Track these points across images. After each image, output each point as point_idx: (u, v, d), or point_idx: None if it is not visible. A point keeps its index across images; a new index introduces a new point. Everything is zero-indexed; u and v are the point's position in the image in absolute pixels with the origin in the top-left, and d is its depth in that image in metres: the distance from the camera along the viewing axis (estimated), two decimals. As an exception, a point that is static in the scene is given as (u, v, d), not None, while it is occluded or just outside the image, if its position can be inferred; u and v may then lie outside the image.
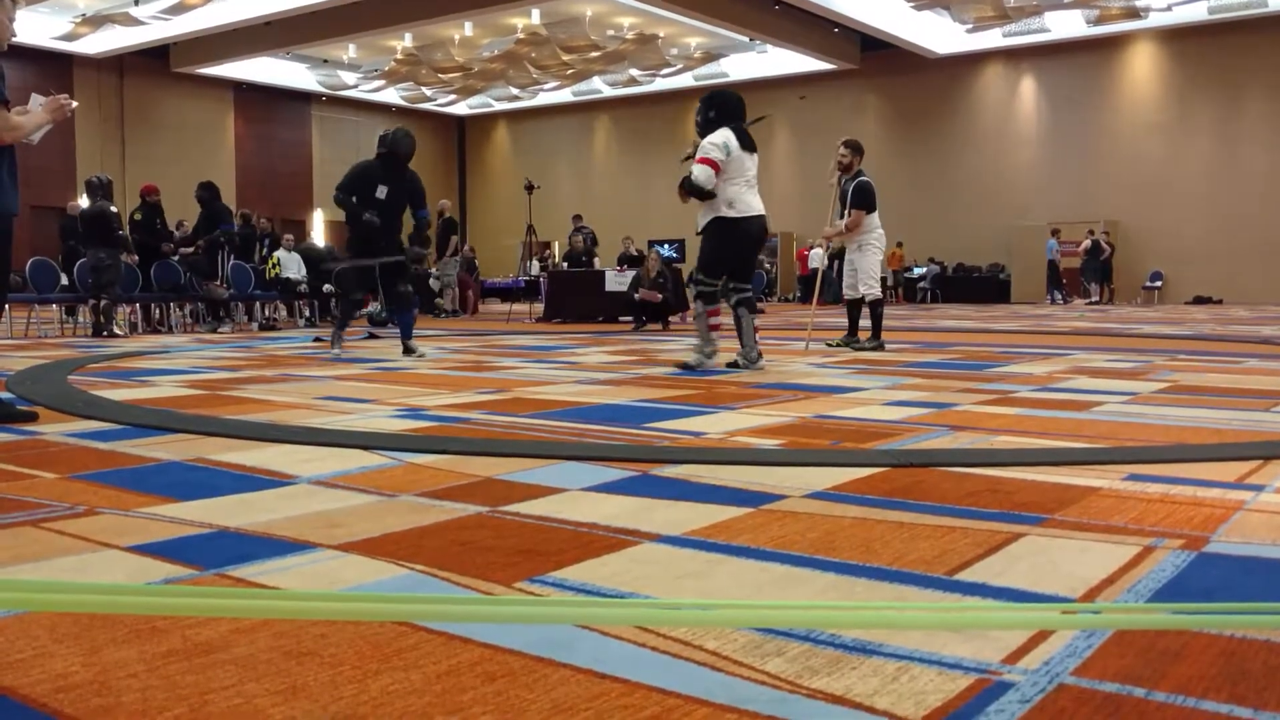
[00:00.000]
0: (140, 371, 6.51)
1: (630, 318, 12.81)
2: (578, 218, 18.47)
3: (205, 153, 26.92)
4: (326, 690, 1.42)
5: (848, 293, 8.29)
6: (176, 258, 12.52)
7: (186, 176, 25.09)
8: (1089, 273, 22.45)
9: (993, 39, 23.29)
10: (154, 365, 7.02)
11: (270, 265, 13.61)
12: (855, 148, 8.21)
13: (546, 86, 28.01)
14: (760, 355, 6.31)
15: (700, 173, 5.88)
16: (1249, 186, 22.20)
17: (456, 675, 1.47)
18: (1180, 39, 22.70)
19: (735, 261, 6.14)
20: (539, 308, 15.49)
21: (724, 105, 6.15)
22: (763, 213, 6.15)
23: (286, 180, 29.03)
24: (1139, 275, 23.25)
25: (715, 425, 3.95)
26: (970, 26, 21.90)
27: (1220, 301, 21.99)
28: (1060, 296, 22.69)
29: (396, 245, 7.52)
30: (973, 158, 25.41)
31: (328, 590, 1.89)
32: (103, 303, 10.84)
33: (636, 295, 12.43)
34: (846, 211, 8.03)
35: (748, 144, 6.08)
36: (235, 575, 1.97)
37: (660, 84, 27.74)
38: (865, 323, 8.20)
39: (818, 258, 24.10)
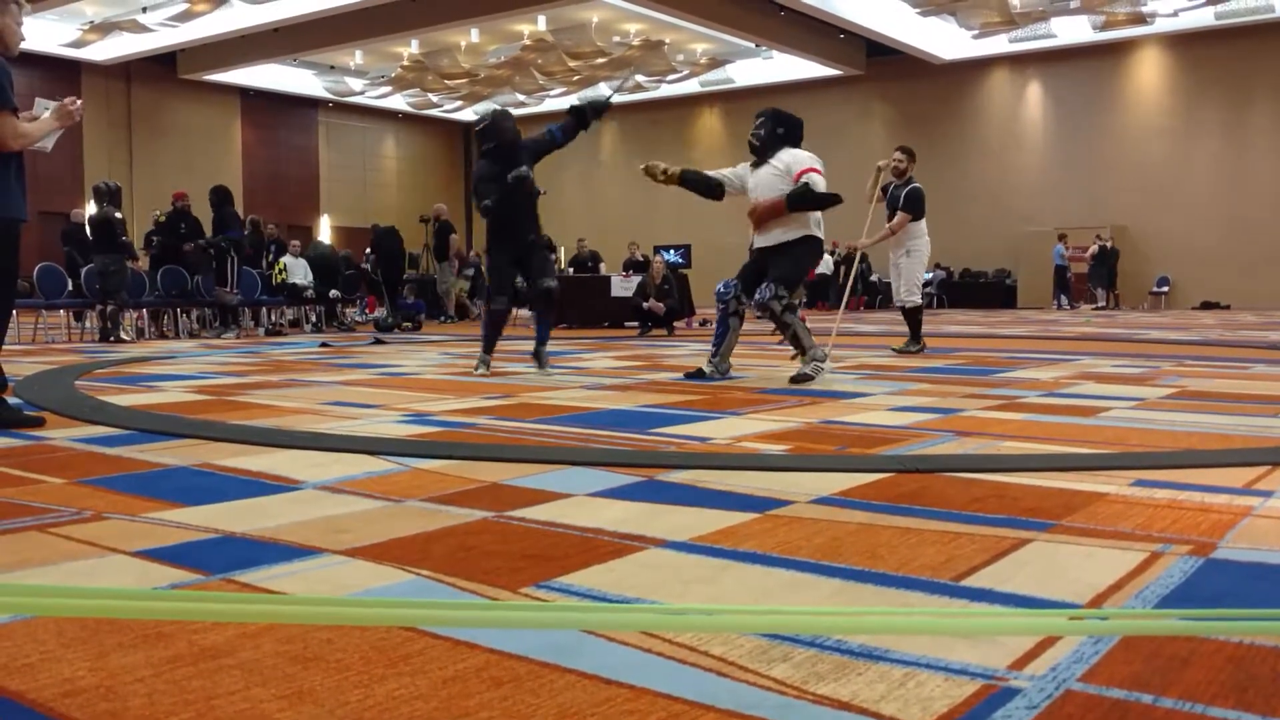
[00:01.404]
0: (147, 377, 6.52)
1: (636, 323, 12.81)
2: (581, 241, 18.63)
3: (212, 159, 27.00)
4: (332, 695, 1.42)
5: (906, 299, 8.21)
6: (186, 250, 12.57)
7: (194, 183, 25.14)
8: (1096, 278, 22.42)
9: (999, 45, 23.27)
10: (161, 370, 7.04)
11: (277, 271, 13.65)
12: (911, 154, 8.25)
13: (553, 93, 28.02)
14: (826, 355, 6.05)
15: (821, 181, 5.73)
16: (1256, 192, 22.15)
17: (462, 681, 1.47)
18: (1187, 44, 22.67)
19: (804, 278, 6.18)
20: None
21: (793, 126, 6.01)
22: None
23: (294, 186, 29.09)
24: (1146, 280, 23.20)
25: (721, 430, 3.94)
26: (976, 32, 21.87)
27: (1228, 307, 21.92)
28: (1067, 302, 22.65)
29: (537, 236, 6.58)
30: (979, 163, 25.38)
31: (334, 595, 1.89)
32: (109, 308, 10.87)
33: (645, 305, 12.43)
34: (891, 217, 8.06)
35: None
36: (241, 580, 1.98)
37: (666, 90, 27.76)
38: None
39: (824, 264, 24.14)
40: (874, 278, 25.78)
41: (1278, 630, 1.65)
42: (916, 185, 8.10)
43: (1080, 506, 2.56)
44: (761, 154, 5.93)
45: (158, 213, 12.60)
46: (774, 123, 5.97)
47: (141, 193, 24.97)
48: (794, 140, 5.96)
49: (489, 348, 6.52)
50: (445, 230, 16.30)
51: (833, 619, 1.73)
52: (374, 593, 1.90)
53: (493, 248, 6.50)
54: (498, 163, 6.27)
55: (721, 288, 6.03)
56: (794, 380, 5.63)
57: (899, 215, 7.99)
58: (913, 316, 8.19)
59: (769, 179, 5.82)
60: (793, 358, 6.44)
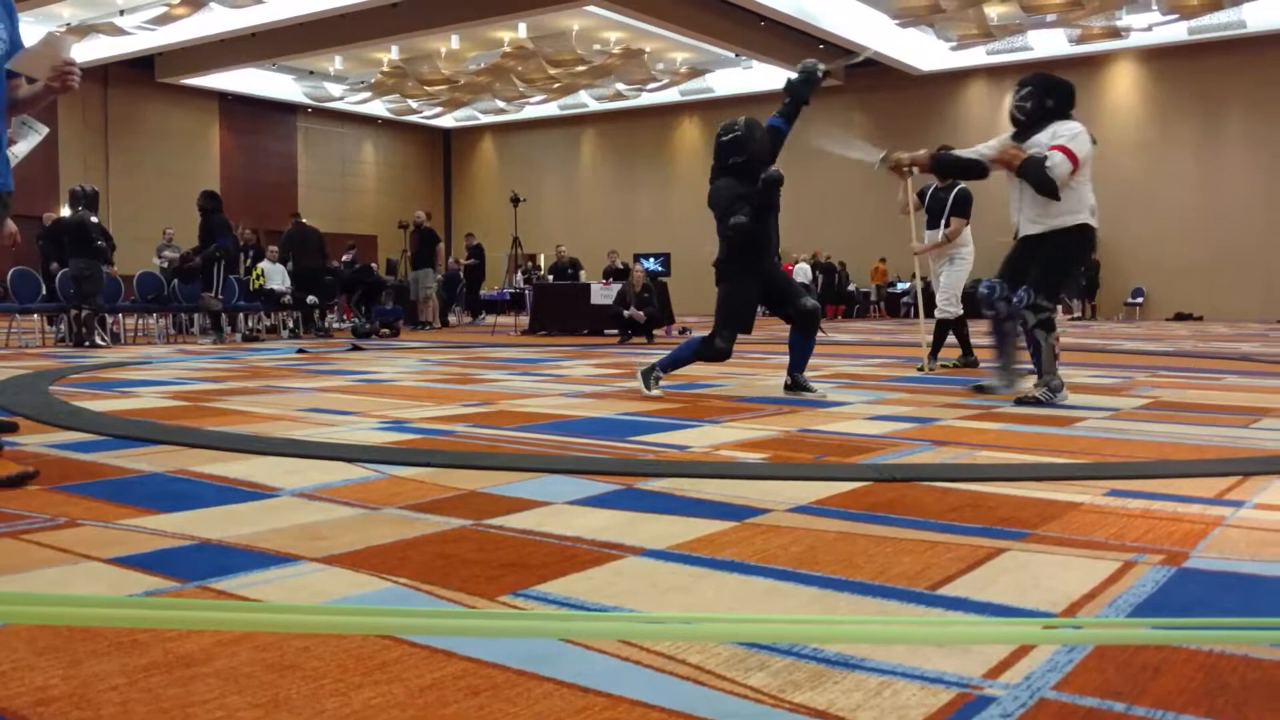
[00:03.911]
0: (122, 382, 6.47)
1: (615, 331, 12.82)
2: (560, 248, 18.68)
3: (190, 163, 26.85)
4: (309, 704, 1.41)
5: (946, 309, 7.65)
6: (166, 266, 12.54)
7: (171, 187, 25.14)
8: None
9: (977, 57, 23.46)
10: (136, 376, 6.99)
11: (255, 277, 13.58)
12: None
13: (533, 100, 28.05)
14: (1062, 384, 5.17)
15: (1062, 166, 4.89)
16: (1229, 204, 22.41)
17: (440, 689, 1.47)
18: (1161, 59, 22.92)
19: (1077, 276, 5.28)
20: (524, 320, 15.48)
21: (1065, 94, 5.17)
22: None
23: (272, 192, 28.95)
24: (1121, 291, 23.40)
25: (699, 439, 3.95)
26: (954, 44, 22.06)
27: (1201, 318, 22.15)
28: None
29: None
30: (956, 174, 25.52)
31: (310, 603, 1.88)
32: (84, 313, 10.79)
33: (625, 313, 12.44)
34: (944, 221, 7.57)
35: (1091, 138, 5.19)
36: (217, 588, 1.97)
37: (646, 99, 27.82)
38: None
39: (803, 272, 24.22)
40: (851, 287, 25.91)
41: (1247, 639, 1.67)
42: (965, 187, 7.49)
43: (1055, 516, 2.58)
44: (1027, 129, 5.14)
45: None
46: (1042, 93, 5.13)
47: (118, 197, 24.83)
48: (1064, 111, 5.14)
49: (670, 369, 5.67)
50: (430, 237, 16.23)
51: (809, 627, 1.74)
52: (351, 601, 1.89)
53: (736, 274, 5.45)
54: (745, 178, 5.37)
55: (984, 289, 5.16)
56: (1020, 401, 5.04)
57: (955, 220, 7.48)
58: (957, 330, 7.64)
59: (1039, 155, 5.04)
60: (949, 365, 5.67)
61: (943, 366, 7.56)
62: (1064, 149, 4.90)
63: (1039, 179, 4.91)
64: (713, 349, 5.44)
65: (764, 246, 5.44)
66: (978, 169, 5.37)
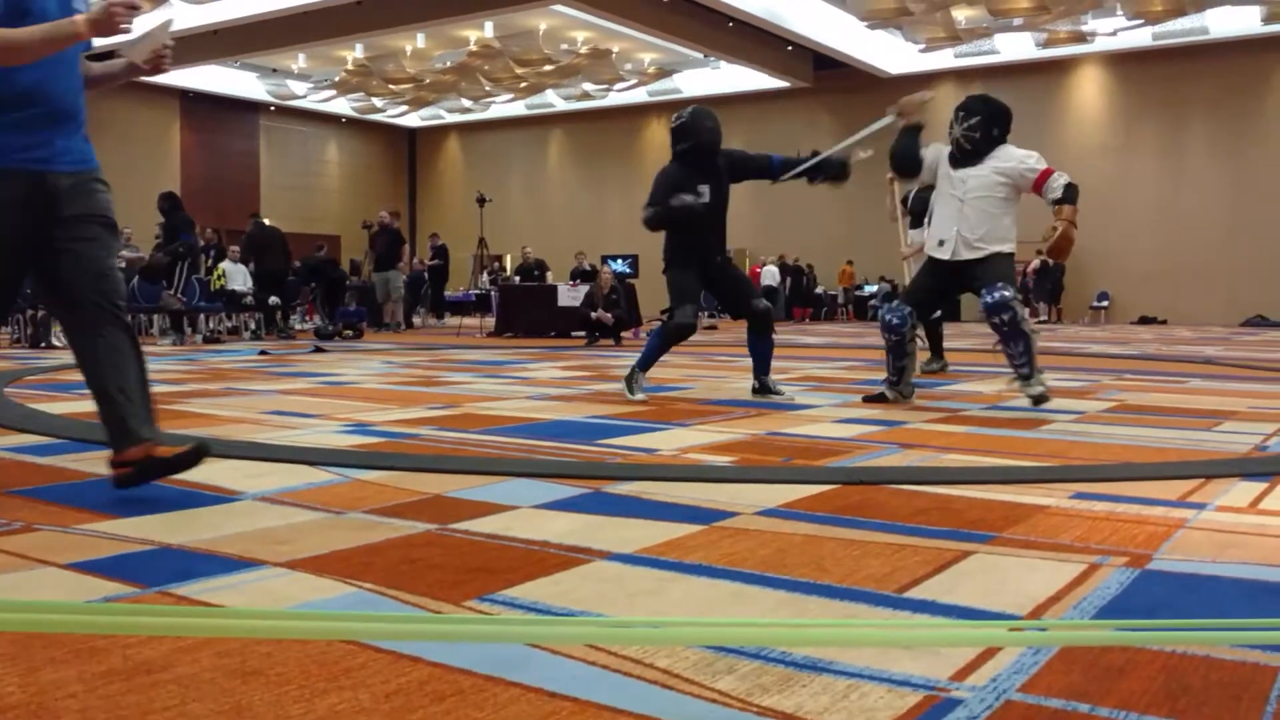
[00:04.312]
0: (80, 384, 6.36)
1: (583, 333, 12.80)
2: (525, 249, 18.66)
3: (150, 162, 26.52)
4: (272, 710, 1.39)
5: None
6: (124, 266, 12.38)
7: (131, 186, 24.74)
8: (1039, 292, 22.82)
9: (944, 59, 23.64)
10: (96, 377, 6.88)
11: (215, 277, 13.44)
12: None
13: (499, 99, 27.98)
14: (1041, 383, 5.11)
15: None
16: (1193, 209, 22.72)
17: (405, 694, 1.45)
18: (1126, 63, 23.20)
19: None
20: (490, 322, 15.42)
21: (1008, 124, 5.26)
22: None
23: (234, 191, 28.65)
24: (1086, 295, 23.66)
25: (667, 442, 3.95)
26: (922, 47, 22.22)
27: (1165, 322, 22.43)
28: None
29: (724, 254, 5.76)
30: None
31: (273, 609, 1.86)
32: (40, 313, 10.63)
33: (593, 315, 12.42)
34: (928, 223, 7.54)
35: None
36: (178, 593, 1.94)
37: (614, 99, 27.82)
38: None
39: (771, 275, 24.31)
40: (819, 290, 26.03)
41: (1209, 640, 1.69)
42: None
43: (1022, 519, 2.60)
44: (970, 156, 5.17)
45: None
46: (991, 123, 5.17)
47: (78, 195, 24.48)
48: (1005, 137, 5.23)
49: (648, 365, 5.60)
50: (396, 238, 16.08)
51: (777, 631, 1.74)
52: (315, 606, 1.87)
53: (677, 262, 5.56)
54: (689, 167, 5.47)
55: (894, 319, 5.20)
56: (1037, 401, 5.00)
57: None
58: (933, 329, 7.62)
59: (990, 182, 5.08)
60: (1010, 382, 5.36)
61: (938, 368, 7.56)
62: (1049, 170, 5.09)
63: (1076, 193, 5.06)
64: (676, 327, 5.48)
65: (702, 242, 5.52)
66: (915, 168, 5.51)
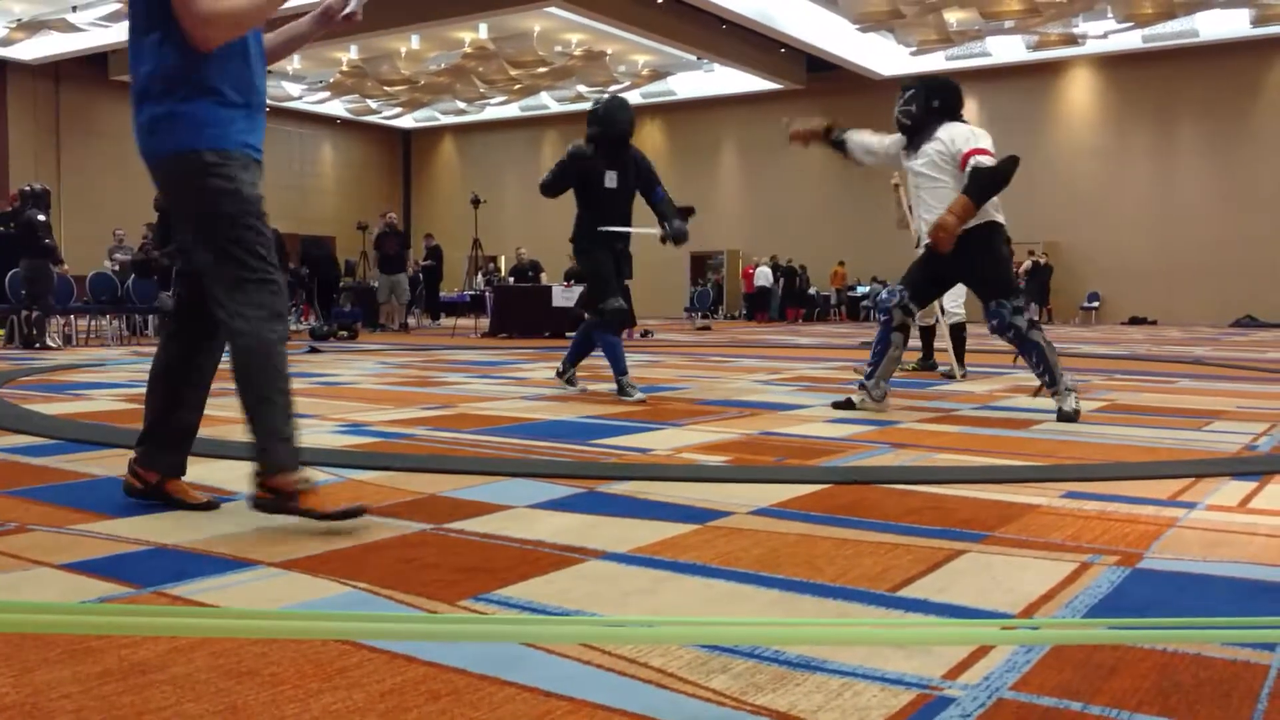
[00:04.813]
0: (75, 385, 6.37)
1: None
2: (520, 250, 18.66)
3: (142, 162, 26.44)
4: (267, 710, 1.40)
5: (958, 314, 7.26)
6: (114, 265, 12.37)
7: (124, 187, 24.75)
8: (1030, 293, 22.88)
9: (936, 62, 23.67)
10: (89, 379, 6.88)
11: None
12: None
13: (493, 101, 27.98)
14: (1073, 390, 4.86)
15: (990, 164, 4.69)
16: (1182, 210, 22.79)
17: (400, 694, 1.46)
18: (1116, 66, 23.27)
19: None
20: (484, 322, 15.41)
21: (949, 94, 4.99)
22: None
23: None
24: (1077, 296, 23.73)
25: (661, 442, 3.95)
26: (914, 49, 22.25)
27: (1155, 322, 22.50)
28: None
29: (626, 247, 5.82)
30: (915, 178, 25.77)
31: (268, 609, 1.86)
32: (34, 314, 10.61)
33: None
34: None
35: None
36: (173, 593, 1.94)
37: (608, 101, 27.81)
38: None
39: (764, 276, 24.34)
40: (812, 290, 26.07)
41: (1200, 639, 1.70)
42: None
43: (1014, 518, 2.61)
44: (915, 134, 4.96)
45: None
46: (927, 95, 4.95)
47: (70, 197, 24.43)
48: (952, 111, 4.97)
49: (623, 365, 5.65)
50: (403, 241, 16.15)
51: (771, 630, 1.74)
52: (310, 606, 1.87)
53: (585, 250, 5.71)
54: (599, 151, 5.65)
55: (885, 294, 5.04)
56: (1063, 418, 4.68)
57: None
58: (955, 334, 7.21)
59: (931, 162, 4.88)
60: (1036, 392, 5.29)
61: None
62: (979, 150, 4.70)
63: (990, 186, 4.66)
64: (608, 316, 5.60)
65: (610, 225, 5.69)
66: (865, 160, 5.27)
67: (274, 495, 2.50)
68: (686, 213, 5.87)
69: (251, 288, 2.58)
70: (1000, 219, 4.87)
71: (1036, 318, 5.07)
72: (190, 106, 2.55)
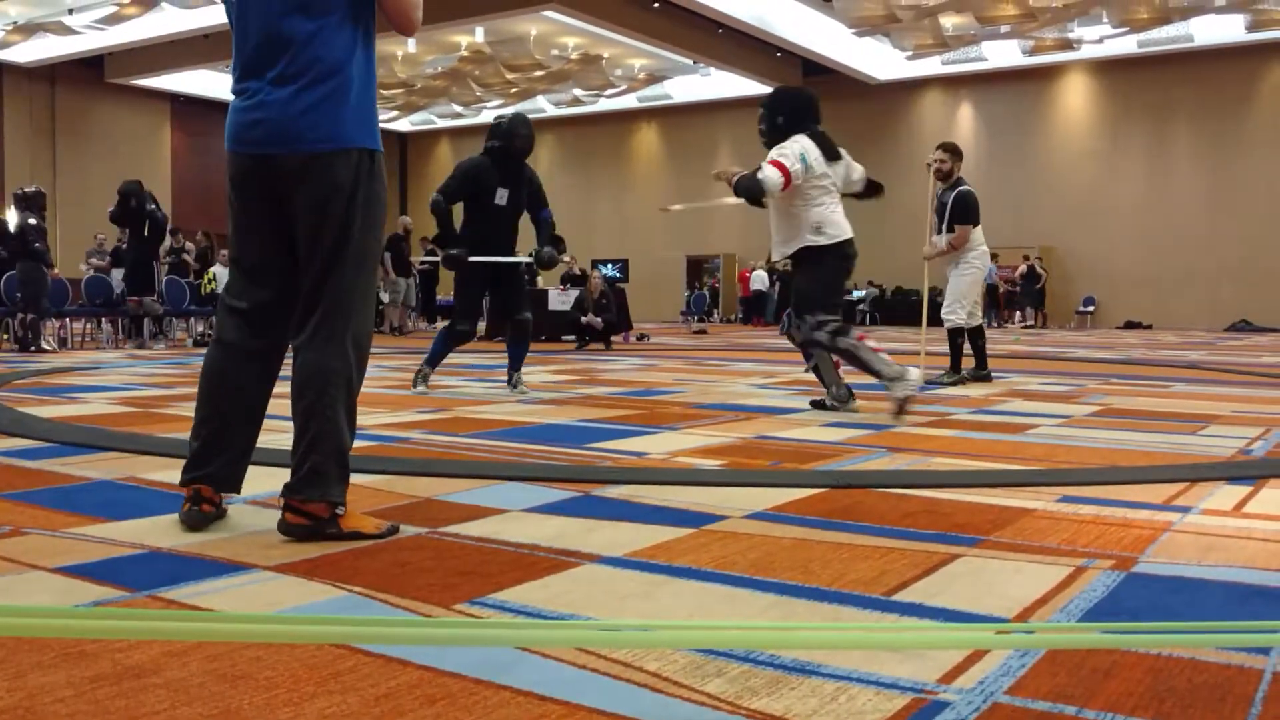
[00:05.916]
0: (70, 388, 6.36)
1: (573, 337, 12.80)
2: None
3: (140, 166, 26.35)
4: (261, 714, 1.40)
5: (945, 315, 7.15)
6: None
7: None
8: (1025, 297, 22.93)
9: (932, 66, 23.72)
10: (84, 382, 6.87)
11: (206, 281, 13.42)
12: (954, 151, 7.27)
13: (490, 104, 27.96)
14: (851, 394, 5.24)
15: (772, 178, 4.77)
16: (1178, 215, 22.82)
17: (395, 698, 1.45)
18: (1111, 70, 23.31)
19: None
20: (481, 326, 15.40)
21: (795, 107, 5.03)
22: (851, 234, 5.10)
23: (224, 196, 28.56)
24: (1072, 300, 23.75)
25: (657, 445, 3.95)
26: (910, 54, 22.28)
27: (1150, 327, 22.53)
28: (995, 320, 23.11)
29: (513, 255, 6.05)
30: (912, 182, 25.75)
31: (263, 612, 1.86)
32: (29, 317, 10.59)
33: (583, 319, 12.42)
34: (944, 227, 7.08)
35: (830, 152, 5.01)
36: (167, 597, 1.94)
37: (604, 104, 27.85)
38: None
39: (760, 280, 24.35)
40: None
41: (1194, 643, 1.70)
42: (967, 188, 7.06)
43: (1009, 522, 2.61)
44: (771, 148, 5.00)
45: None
46: (772, 112, 5.04)
47: (66, 200, 24.38)
48: (800, 125, 4.98)
49: (434, 362, 6.20)
50: (404, 246, 16.48)
51: (766, 634, 1.74)
52: (304, 610, 1.87)
53: (464, 264, 5.91)
54: (495, 166, 5.85)
55: (783, 324, 5.21)
56: (814, 404, 5.22)
57: (959, 228, 6.95)
58: (952, 339, 7.07)
59: None
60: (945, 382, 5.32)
61: (950, 381, 6.94)
62: (775, 162, 4.82)
63: (748, 190, 4.90)
64: (455, 334, 6.03)
65: (497, 239, 5.89)
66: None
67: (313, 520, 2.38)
68: (558, 241, 6.37)
69: (370, 306, 2.46)
70: (818, 241, 4.95)
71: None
72: (368, 98, 2.27)
